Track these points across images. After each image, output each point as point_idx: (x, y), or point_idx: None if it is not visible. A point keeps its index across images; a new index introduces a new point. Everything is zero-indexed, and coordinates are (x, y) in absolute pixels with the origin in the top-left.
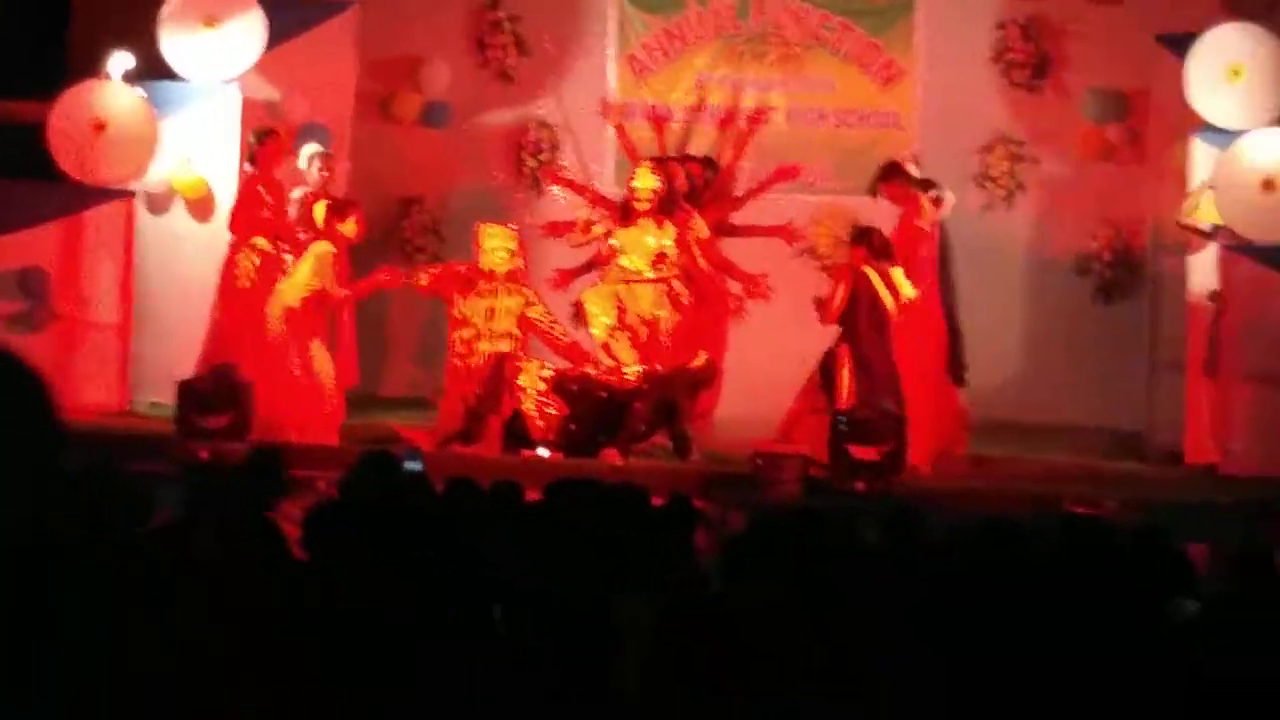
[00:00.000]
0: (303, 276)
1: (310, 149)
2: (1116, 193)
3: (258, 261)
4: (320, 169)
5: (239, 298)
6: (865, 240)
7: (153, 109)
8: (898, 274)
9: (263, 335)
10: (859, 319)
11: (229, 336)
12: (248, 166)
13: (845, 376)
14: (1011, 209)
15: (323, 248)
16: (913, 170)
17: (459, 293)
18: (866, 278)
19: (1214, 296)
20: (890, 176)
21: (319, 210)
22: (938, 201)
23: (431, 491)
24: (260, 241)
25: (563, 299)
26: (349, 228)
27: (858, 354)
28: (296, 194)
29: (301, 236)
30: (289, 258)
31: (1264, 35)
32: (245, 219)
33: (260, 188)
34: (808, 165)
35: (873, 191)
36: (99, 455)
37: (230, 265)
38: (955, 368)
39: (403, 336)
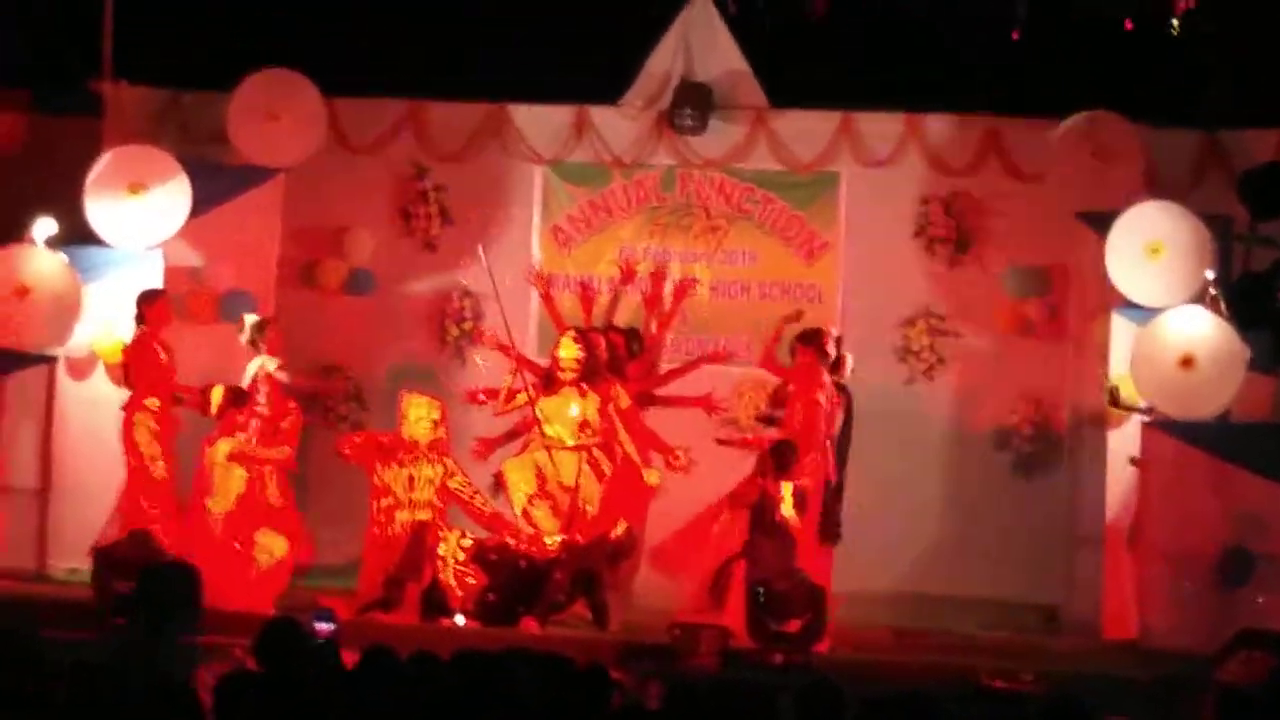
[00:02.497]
0: (231, 488)
1: (251, 319)
2: (1036, 367)
3: (153, 425)
4: (262, 340)
5: (140, 458)
6: (775, 454)
7: (76, 274)
8: (787, 490)
9: (171, 497)
10: (761, 529)
11: (138, 498)
12: (135, 328)
13: (733, 595)
14: (932, 382)
15: (226, 448)
16: (830, 348)
17: (380, 461)
18: (775, 491)
19: (1134, 461)
20: (810, 342)
21: (216, 395)
22: (840, 364)
23: (337, 659)
24: (152, 402)
25: (484, 468)
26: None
27: (752, 566)
28: (253, 366)
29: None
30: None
31: (1183, 214)
32: (143, 379)
33: (156, 345)
34: (729, 338)
35: (791, 350)
36: (14, 620)
37: (129, 426)
38: (828, 526)
39: (323, 503)
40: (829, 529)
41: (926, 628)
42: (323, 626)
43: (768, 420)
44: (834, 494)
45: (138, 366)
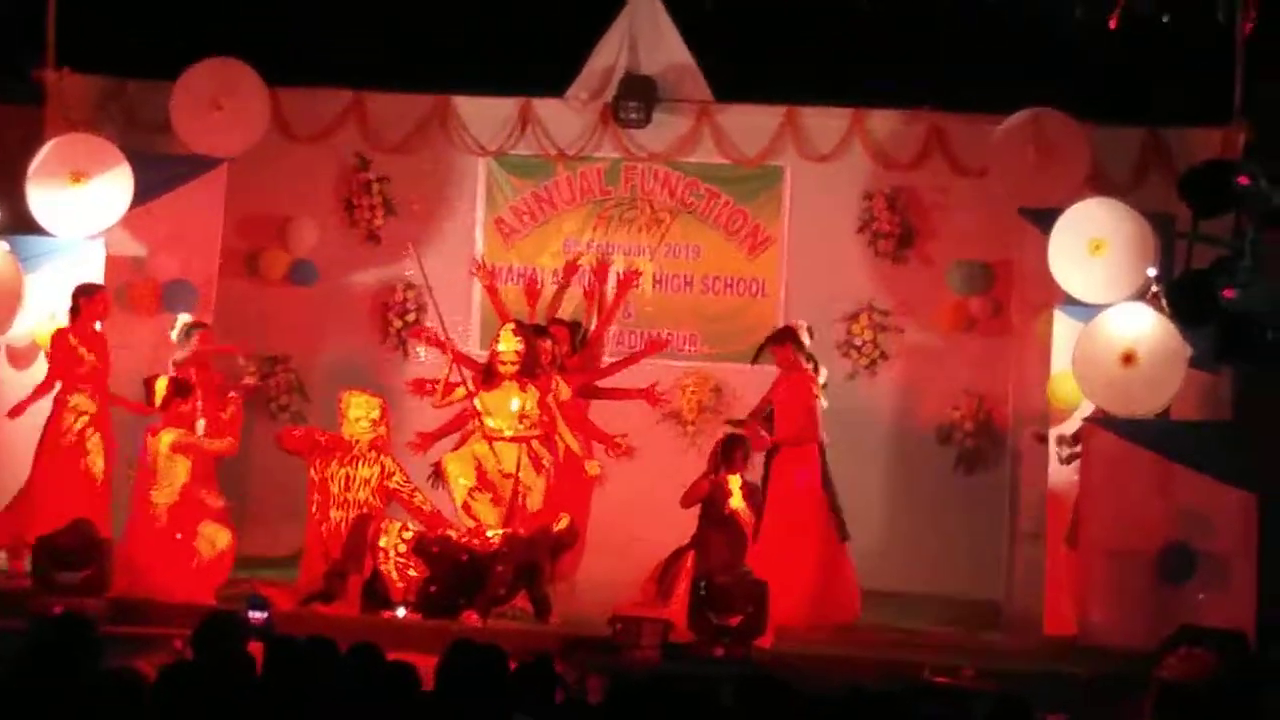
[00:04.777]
0: (175, 479)
1: (184, 319)
2: (979, 363)
3: (74, 422)
4: (194, 339)
5: (60, 454)
6: (724, 448)
7: (18, 263)
8: (735, 483)
9: (94, 488)
10: (711, 521)
11: (50, 491)
12: (63, 320)
13: (681, 586)
14: (875, 377)
15: (170, 439)
16: (805, 340)
17: (320, 458)
18: (725, 484)
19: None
20: (784, 340)
21: (160, 386)
22: (816, 372)
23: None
24: (77, 399)
25: (423, 462)
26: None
27: (701, 558)
28: (178, 357)
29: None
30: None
31: (1126, 211)
32: (60, 373)
33: (73, 339)
34: (672, 331)
35: (755, 357)
36: None
37: (56, 420)
38: (840, 527)
39: (264, 494)
40: (843, 526)
41: (868, 623)
42: (256, 615)
43: (737, 425)
44: (833, 494)
45: (53, 358)
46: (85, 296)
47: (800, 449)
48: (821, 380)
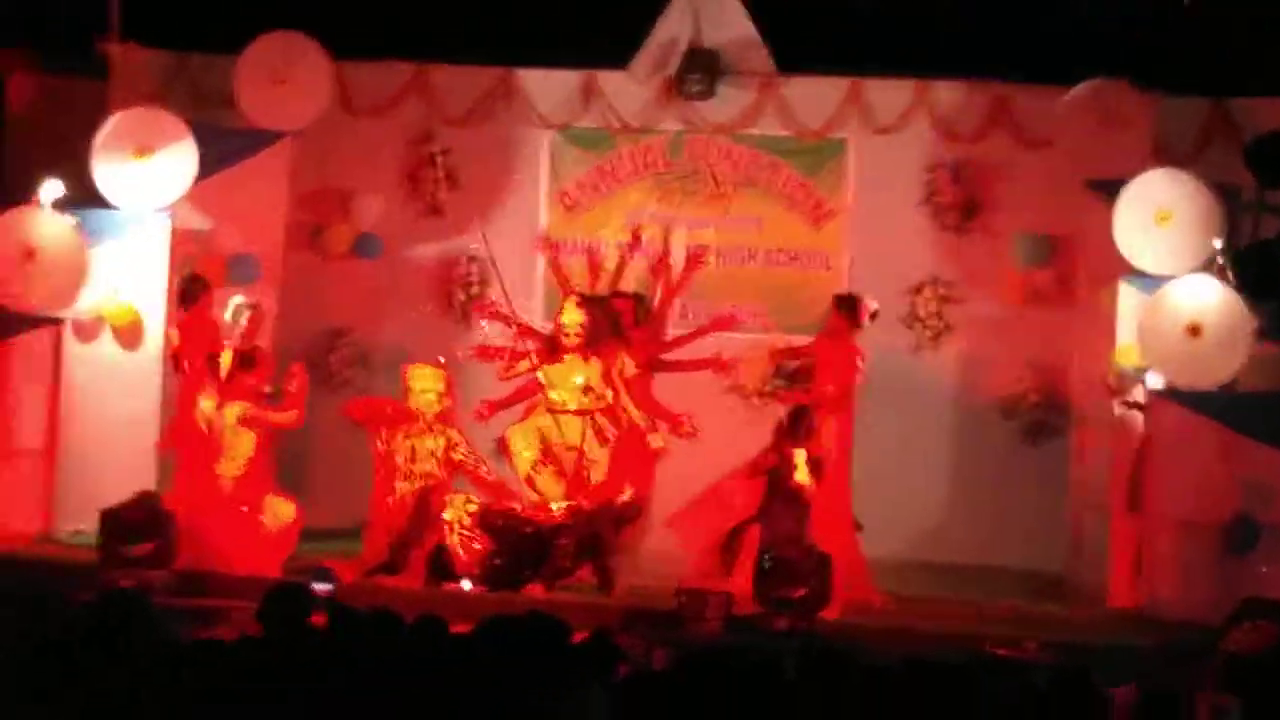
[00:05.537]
0: (241, 452)
1: (237, 300)
2: (1044, 335)
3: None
4: (246, 320)
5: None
6: (791, 421)
7: (83, 237)
8: (800, 457)
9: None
10: (776, 494)
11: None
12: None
13: (745, 559)
14: (939, 350)
15: (237, 412)
16: (863, 321)
17: (386, 429)
18: (790, 457)
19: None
20: (846, 310)
21: (225, 360)
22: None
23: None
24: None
25: (488, 433)
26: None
27: (766, 531)
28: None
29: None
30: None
31: (1191, 181)
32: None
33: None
34: (736, 304)
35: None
36: (19, 582)
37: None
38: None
39: (328, 467)
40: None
41: (931, 595)
42: (321, 587)
43: (790, 377)
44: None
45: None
46: (198, 289)
47: (834, 415)
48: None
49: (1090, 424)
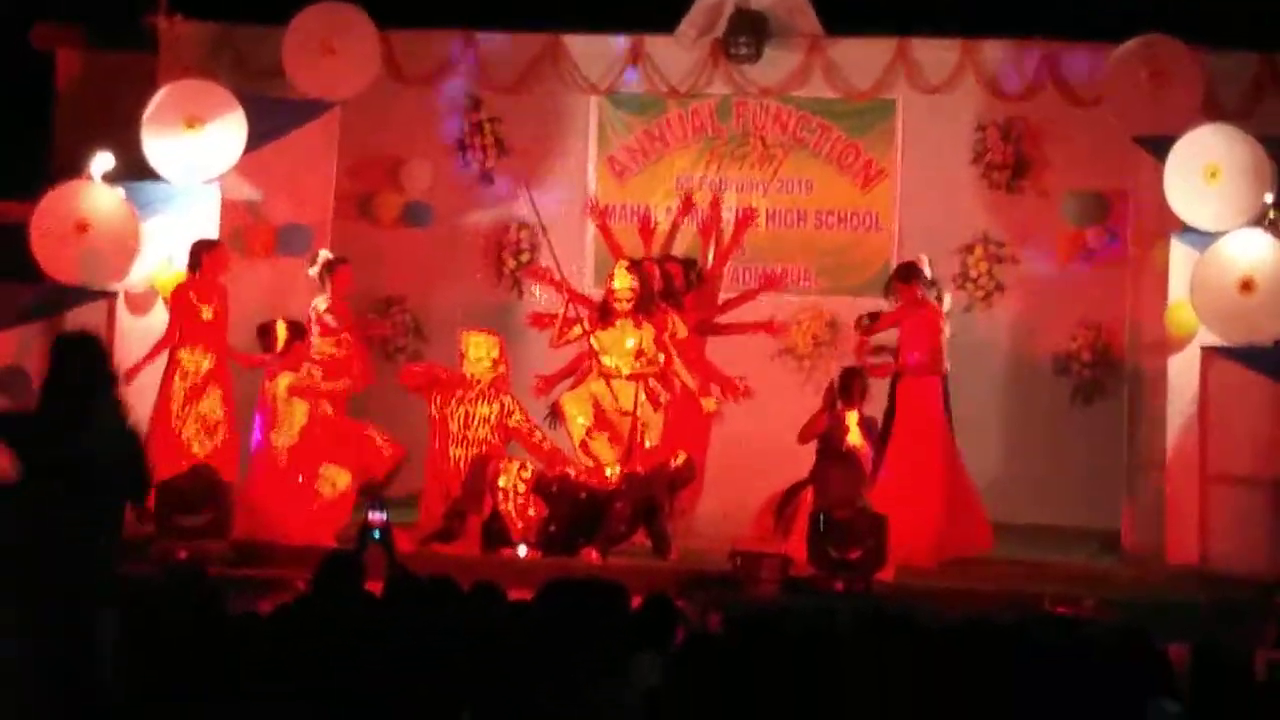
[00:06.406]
0: (294, 422)
1: (324, 254)
2: (1096, 293)
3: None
4: (333, 278)
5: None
6: (843, 383)
7: (134, 209)
8: (853, 418)
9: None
10: (829, 456)
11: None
12: (184, 272)
13: (800, 521)
14: (991, 309)
15: (287, 382)
16: (926, 272)
17: (440, 395)
18: (842, 419)
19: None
20: (910, 278)
21: (280, 330)
22: (940, 301)
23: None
24: (192, 354)
25: (541, 401)
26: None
27: (820, 493)
28: (320, 303)
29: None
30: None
31: (1241, 136)
32: (179, 328)
33: (192, 294)
34: (786, 266)
35: (886, 291)
36: None
37: (169, 381)
38: None
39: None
40: None
41: (988, 555)
42: (376, 515)
43: (870, 318)
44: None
45: (173, 312)
46: (206, 251)
47: (923, 380)
48: (946, 308)
49: (1144, 380)
